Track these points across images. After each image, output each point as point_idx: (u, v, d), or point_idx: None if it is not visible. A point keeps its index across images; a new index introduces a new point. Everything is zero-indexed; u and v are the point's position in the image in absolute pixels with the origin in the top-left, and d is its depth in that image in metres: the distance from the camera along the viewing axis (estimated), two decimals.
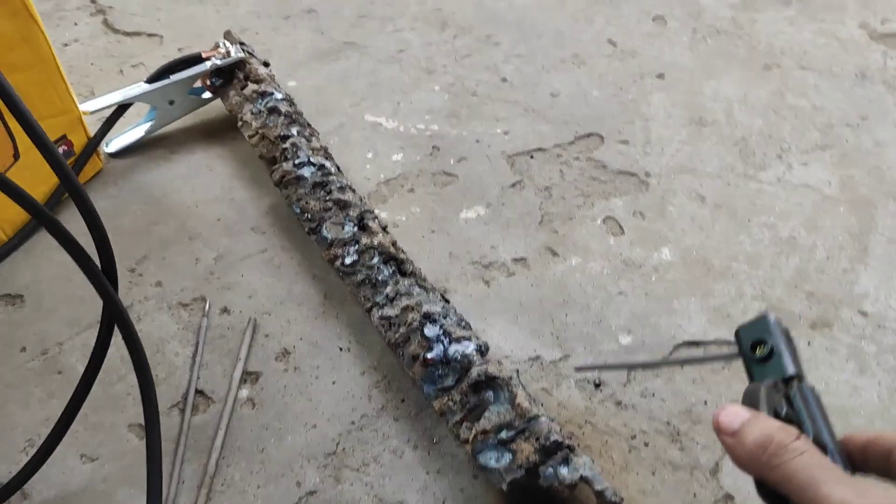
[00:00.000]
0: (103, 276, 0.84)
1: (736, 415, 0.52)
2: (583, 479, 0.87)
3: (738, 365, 0.92)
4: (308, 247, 1.29)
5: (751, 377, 0.59)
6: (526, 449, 0.91)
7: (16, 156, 1.30)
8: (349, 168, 1.45)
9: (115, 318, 0.88)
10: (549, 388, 1.09)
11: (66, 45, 1.83)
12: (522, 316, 1.18)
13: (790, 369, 0.56)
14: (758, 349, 0.57)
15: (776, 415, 0.53)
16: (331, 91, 1.64)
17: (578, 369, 0.95)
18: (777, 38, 1.74)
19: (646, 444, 1.03)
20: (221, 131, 1.55)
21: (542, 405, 1.03)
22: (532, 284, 1.22)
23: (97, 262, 0.84)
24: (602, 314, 1.17)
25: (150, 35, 1.85)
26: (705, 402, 1.06)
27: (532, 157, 1.45)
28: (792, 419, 0.53)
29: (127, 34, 1.86)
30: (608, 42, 1.74)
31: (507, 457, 0.92)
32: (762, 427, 0.50)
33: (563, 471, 0.88)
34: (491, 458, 0.93)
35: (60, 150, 1.38)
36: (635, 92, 1.59)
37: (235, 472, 1.01)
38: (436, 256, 1.28)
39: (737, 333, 0.59)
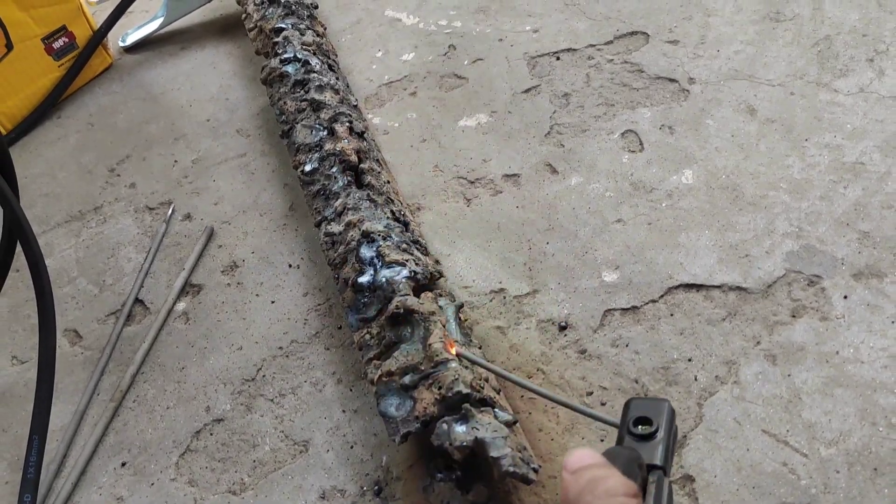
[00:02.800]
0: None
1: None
2: (478, 441, 0.72)
3: (738, 318, 0.88)
4: (287, 152, 1.18)
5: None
6: (426, 398, 0.77)
7: (8, 45, 1.27)
8: (353, 68, 1.31)
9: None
10: (505, 326, 0.93)
11: None
12: (497, 241, 1.01)
13: (660, 461, 0.52)
14: (641, 426, 0.54)
15: None
16: None
17: (459, 355, 0.79)
18: None
19: (602, 404, 0.85)
20: (237, 27, 1.45)
21: (479, 347, 0.88)
22: (518, 205, 1.05)
23: None
24: (590, 244, 0.98)
25: None
26: (689, 360, 0.86)
27: (558, 58, 1.24)
28: None
29: None
30: None
31: (408, 405, 0.78)
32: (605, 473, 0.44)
33: (459, 429, 0.73)
34: (391, 405, 0.79)
35: (61, 42, 1.34)
36: None
37: (150, 390, 0.95)
38: (419, 168, 1.13)
39: (627, 403, 0.55)
